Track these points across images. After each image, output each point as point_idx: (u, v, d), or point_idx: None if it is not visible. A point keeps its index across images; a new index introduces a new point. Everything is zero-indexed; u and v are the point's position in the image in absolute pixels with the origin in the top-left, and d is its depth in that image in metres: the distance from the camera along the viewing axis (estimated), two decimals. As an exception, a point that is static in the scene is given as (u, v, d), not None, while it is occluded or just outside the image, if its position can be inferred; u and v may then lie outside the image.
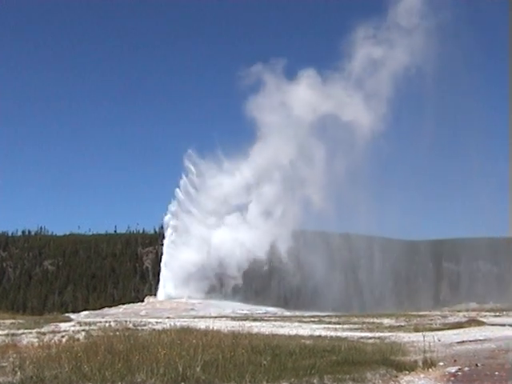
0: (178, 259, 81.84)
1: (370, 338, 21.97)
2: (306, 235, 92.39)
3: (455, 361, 14.16)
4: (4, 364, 13.16)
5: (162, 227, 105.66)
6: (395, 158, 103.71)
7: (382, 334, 24.35)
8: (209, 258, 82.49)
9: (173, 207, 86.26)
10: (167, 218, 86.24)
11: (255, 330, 22.48)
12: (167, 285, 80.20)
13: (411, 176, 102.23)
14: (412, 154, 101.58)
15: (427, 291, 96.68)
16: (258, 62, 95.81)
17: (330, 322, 35.91)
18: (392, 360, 14.06)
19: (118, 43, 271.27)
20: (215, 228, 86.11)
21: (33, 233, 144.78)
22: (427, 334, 18.75)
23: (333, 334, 23.65)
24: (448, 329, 27.02)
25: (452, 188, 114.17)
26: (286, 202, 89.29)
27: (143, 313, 57.44)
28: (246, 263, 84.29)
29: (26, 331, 25.15)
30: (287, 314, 57.48)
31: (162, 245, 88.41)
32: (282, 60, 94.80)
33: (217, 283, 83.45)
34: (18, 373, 11.64)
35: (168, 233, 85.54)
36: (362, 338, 21.85)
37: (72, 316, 48.71)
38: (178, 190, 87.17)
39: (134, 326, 28.62)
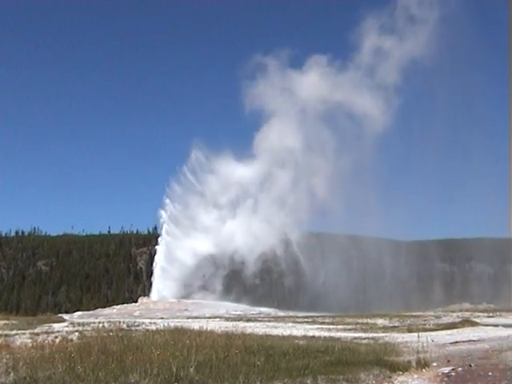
0: (182, 250, 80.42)
1: (364, 338, 21.99)
2: (310, 236, 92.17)
3: (449, 361, 14.19)
4: (-3, 365, 13.11)
5: (155, 228, 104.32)
6: (400, 154, 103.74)
7: (375, 335, 24.38)
8: (221, 250, 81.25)
9: (177, 186, 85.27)
10: (169, 190, 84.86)
11: (249, 331, 22.49)
12: (162, 284, 79.37)
13: (411, 176, 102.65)
14: (418, 152, 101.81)
15: (439, 291, 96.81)
16: (266, 51, 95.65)
17: (323, 323, 35.91)
18: (386, 360, 14.07)
19: (117, 43, 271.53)
20: (223, 219, 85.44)
21: (26, 233, 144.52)
22: (421, 334, 18.79)
23: (326, 334, 23.66)
24: (441, 329, 27.08)
25: (453, 189, 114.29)
26: (295, 192, 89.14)
27: (137, 313, 57.33)
28: (260, 260, 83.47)
29: (19, 332, 25.10)
30: (281, 314, 57.50)
31: (156, 244, 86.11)
32: (291, 49, 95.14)
33: (232, 283, 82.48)
34: (12, 374, 11.60)
35: (165, 218, 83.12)
36: (355, 338, 21.86)
37: (65, 317, 48.62)
38: (185, 167, 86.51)
39: (127, 326, 28.59)
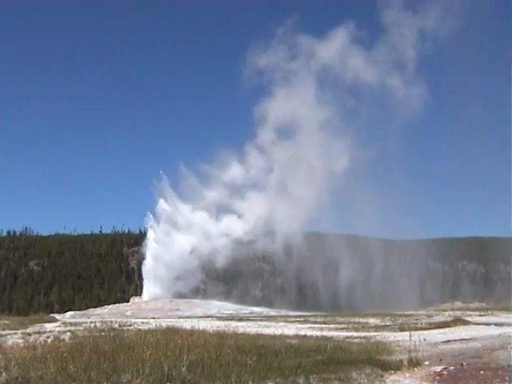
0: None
1: (356, 337, 22.00)
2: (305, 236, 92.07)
3: (441, 360, 14.21)
4: (-11, 365, 13.07)
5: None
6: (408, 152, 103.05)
7: (367, 334, 24.40)
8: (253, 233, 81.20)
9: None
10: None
11: (241, 330, 22.50)
12: (153, 283, 79.31)
13: (410, 174, 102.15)
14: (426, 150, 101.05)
15: (431, 290, 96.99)
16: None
17: (315, 322, 35.94)
18: (377, 359, 14.08)
19: (118, 43, 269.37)
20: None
21: (18, 233, 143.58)
22: (413, 333, 18.81)
23: (318, 333, 23.65)
24: (433, 328, 27.12)
25: (453, 189, 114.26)
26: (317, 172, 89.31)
27: (129, 313, 57.30)
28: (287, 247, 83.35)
29: (11, 332, 25.02)
30: (273, 313, 57.53)
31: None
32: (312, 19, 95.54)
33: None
34: (4, 374, 11.56)
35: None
36: (347, 337, 21.87)
37: (57, 316, 48.51)
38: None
39: (119, 326, 28.56)
